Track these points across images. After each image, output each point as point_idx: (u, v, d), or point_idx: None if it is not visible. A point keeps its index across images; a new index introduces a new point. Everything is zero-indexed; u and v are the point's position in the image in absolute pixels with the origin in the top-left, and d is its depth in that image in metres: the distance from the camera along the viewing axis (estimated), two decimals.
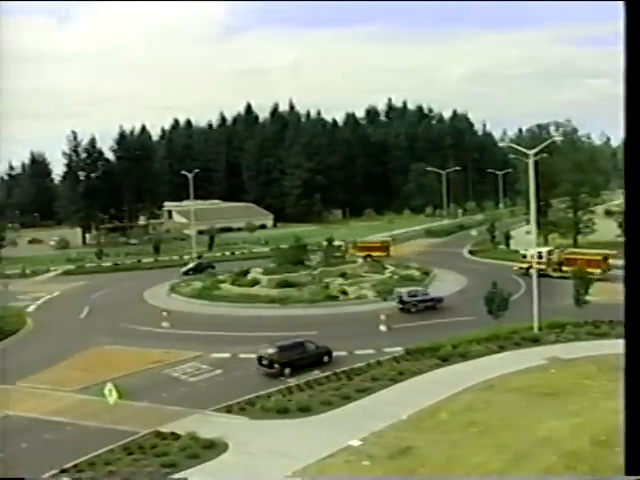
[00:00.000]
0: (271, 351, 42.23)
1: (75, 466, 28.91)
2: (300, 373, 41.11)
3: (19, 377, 44.09)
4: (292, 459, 28.11)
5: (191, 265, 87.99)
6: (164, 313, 58.34)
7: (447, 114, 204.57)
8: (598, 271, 64.33)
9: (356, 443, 29.36)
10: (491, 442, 28.66)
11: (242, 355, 46.26)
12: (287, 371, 41.38)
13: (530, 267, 68.35)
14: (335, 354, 44.14)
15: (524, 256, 73.64)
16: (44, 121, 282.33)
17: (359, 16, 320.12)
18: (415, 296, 58.70)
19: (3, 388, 42.37)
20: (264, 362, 42.09)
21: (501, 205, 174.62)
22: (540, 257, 69.93)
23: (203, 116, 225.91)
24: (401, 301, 58.23)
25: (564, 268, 69.31)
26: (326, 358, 43.58)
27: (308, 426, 32.24)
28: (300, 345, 43.55)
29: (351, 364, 41.98)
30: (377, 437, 30.04)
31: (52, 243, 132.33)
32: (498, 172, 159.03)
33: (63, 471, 28.52)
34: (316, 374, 40.65)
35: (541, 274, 66.29)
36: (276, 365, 41.50)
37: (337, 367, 41.64)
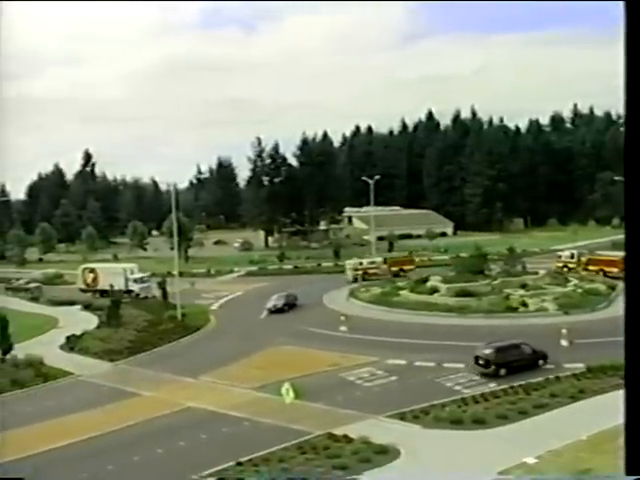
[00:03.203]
0: (488, 351, 42.55)
1: (250, 460, 29.84)
2: (515, 375, 40.93)
3: (202, 372, 46.18)
4: (464, 472, 27.64)
5: (278, 301, 68.42)
6: (342, 317, 59.15)
7: None
8: (616, 270, 73.83)
9: (531, 460, 28.45)
10: None
11: (418, 363, 46.03)
12: (503, 372, 41.56)
13: (565, 266, 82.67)
14: None
15: (559, 256, 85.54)
16: (231, 127, 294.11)
17: (543, 19, 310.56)
18: None
19: (186, 382, 44.55)
20: (480, 362, 42.53)
21: None
22: (572, 257, 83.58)
23: (384, 123, 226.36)
24: None
25: (590, 267, 79.93)
26: (541, 362, 43.37)
27: (482, 439, 31.60)
28: (516, 347, 43.62)
29: (529, 378, 40.84)
30: (554, 456, 28.97)
31: (236, 245, 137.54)
32: None
33: (239, 464, 29.52)
34: (492, 387, 39.88)
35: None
36: (492, 365, 41.76)
37: (514, 381, 40.57)
